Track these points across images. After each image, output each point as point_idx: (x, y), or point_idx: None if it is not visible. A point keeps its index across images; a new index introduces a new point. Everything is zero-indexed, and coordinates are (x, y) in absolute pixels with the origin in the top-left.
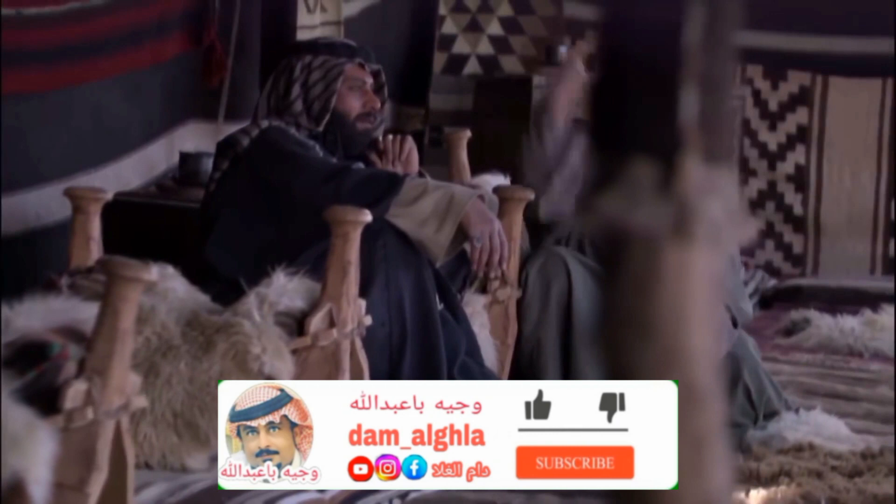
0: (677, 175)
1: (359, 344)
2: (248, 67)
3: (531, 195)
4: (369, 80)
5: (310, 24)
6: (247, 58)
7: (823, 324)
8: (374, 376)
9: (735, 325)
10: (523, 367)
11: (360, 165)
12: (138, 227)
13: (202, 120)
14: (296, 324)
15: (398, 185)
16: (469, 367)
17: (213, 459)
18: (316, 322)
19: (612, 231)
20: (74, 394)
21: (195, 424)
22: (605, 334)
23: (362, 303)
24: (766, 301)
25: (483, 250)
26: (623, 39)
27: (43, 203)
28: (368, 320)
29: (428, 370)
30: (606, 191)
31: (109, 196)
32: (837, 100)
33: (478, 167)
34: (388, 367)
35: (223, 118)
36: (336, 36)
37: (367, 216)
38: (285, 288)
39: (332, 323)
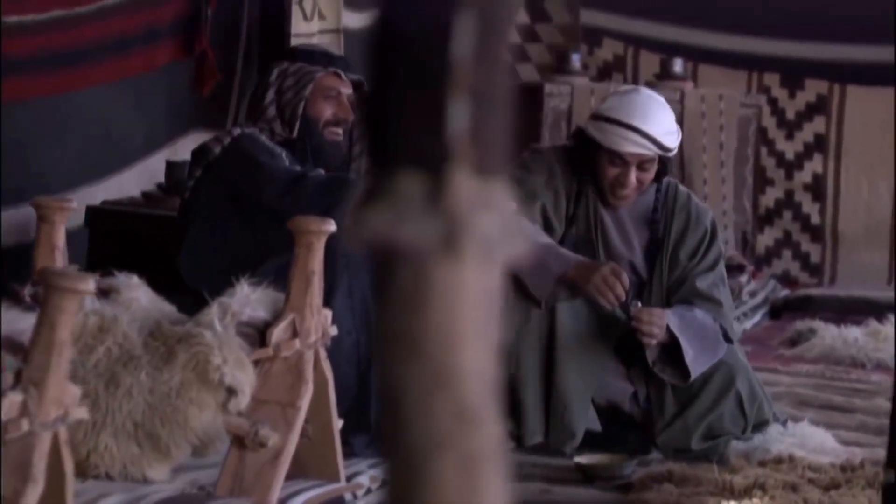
0: (446, 189)
1: (323, 354)
2: (254, 75)
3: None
4: (346, 91)
5: (307, 32)
6: (253, 65)
7: (828, 334)
8: (343, 384)
9: (730, 340)
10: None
11: (321, 171)
12: (124, 237)
13: (205, 129)
14: (258, 334)
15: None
16: None
17: (175, 471)
18: (278, 332)
19: (381, 246)
20: (9, 405)
21: (156, 435)
22: (378, 352)
23: (328, 313)
24: (776, 311)
25: None
26: (392, 49)
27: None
28: (334, 331)
29: None
30: (375, 204)
31: (75, 205)
32: (855, 109)
33: None
34: (356, 374)
35: (232, 126)
36: (334, 45)
37: (332, 226)
38: (248, 298)
39: (294, 333)
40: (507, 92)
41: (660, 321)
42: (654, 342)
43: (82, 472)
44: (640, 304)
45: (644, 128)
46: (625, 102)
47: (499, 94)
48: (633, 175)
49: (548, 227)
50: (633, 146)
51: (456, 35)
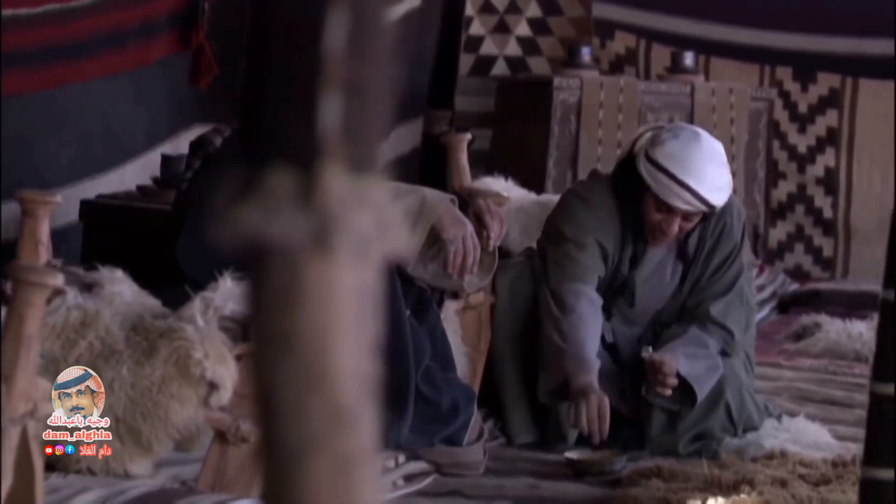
0: (317, 185)
1: None
2: None
3: (505, 201)
4: None
5: None
6: None
7: (833, 329)
8: None
9: (726, 354)
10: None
11: None
12: (119, 231)
13: (208, 123)
14: (240, 329)
15: None
16: (433, 372)
17: (157, 465)
18: None
19: (252, 244)
20: None
21: (137, 430)
22: (252, 350)
23: None
24: (785, 305)
25: (457, 253)
26: (264, 41)
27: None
28: None
29: (395, 374)
30: (245, 201)
31: (59, 200)
32: (867, 102)
33: (499, 169)
34: None
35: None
36: None
37: None
38: (232, 292)
39: None
40: (386, 86)
41: (671, 371)
42: (668, 393)
43: (64, 466)
44: (650, 350)
45: (698, 188)
46: (683, 153)
47: (375, 88)
48: (676, 224)
49: (601, 268)
50: (682, 203)
51: (327, 28)
